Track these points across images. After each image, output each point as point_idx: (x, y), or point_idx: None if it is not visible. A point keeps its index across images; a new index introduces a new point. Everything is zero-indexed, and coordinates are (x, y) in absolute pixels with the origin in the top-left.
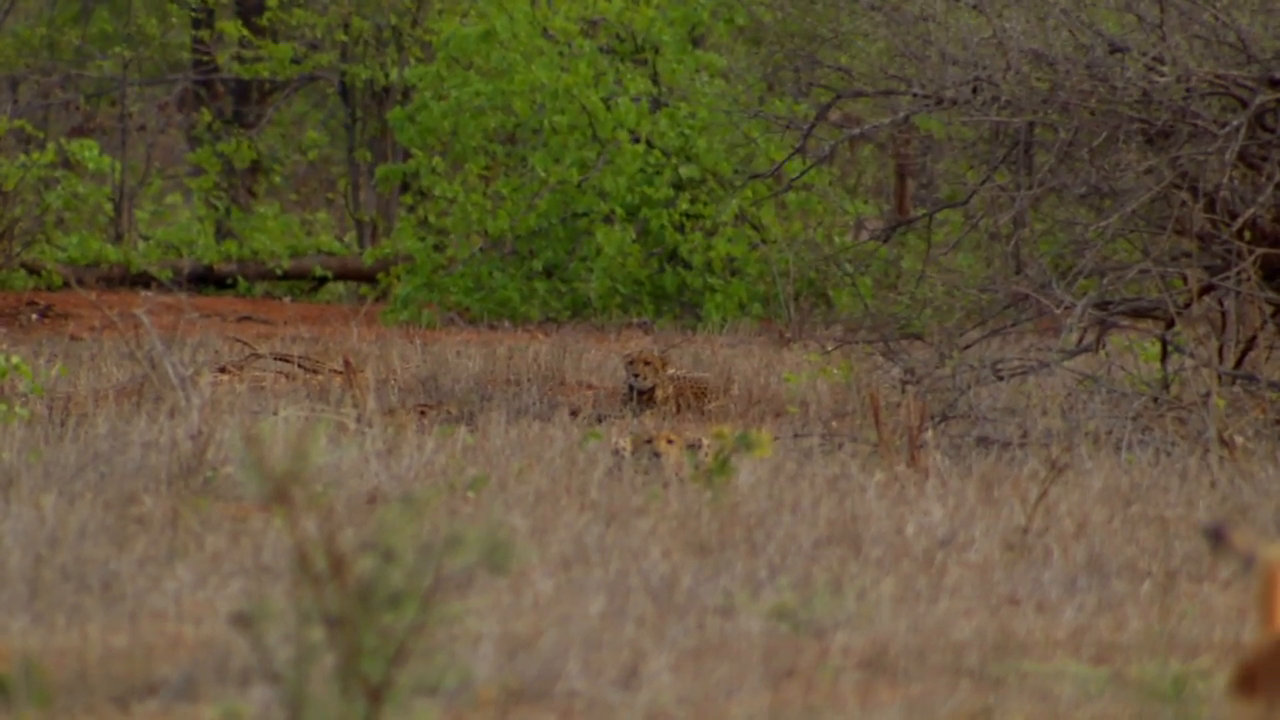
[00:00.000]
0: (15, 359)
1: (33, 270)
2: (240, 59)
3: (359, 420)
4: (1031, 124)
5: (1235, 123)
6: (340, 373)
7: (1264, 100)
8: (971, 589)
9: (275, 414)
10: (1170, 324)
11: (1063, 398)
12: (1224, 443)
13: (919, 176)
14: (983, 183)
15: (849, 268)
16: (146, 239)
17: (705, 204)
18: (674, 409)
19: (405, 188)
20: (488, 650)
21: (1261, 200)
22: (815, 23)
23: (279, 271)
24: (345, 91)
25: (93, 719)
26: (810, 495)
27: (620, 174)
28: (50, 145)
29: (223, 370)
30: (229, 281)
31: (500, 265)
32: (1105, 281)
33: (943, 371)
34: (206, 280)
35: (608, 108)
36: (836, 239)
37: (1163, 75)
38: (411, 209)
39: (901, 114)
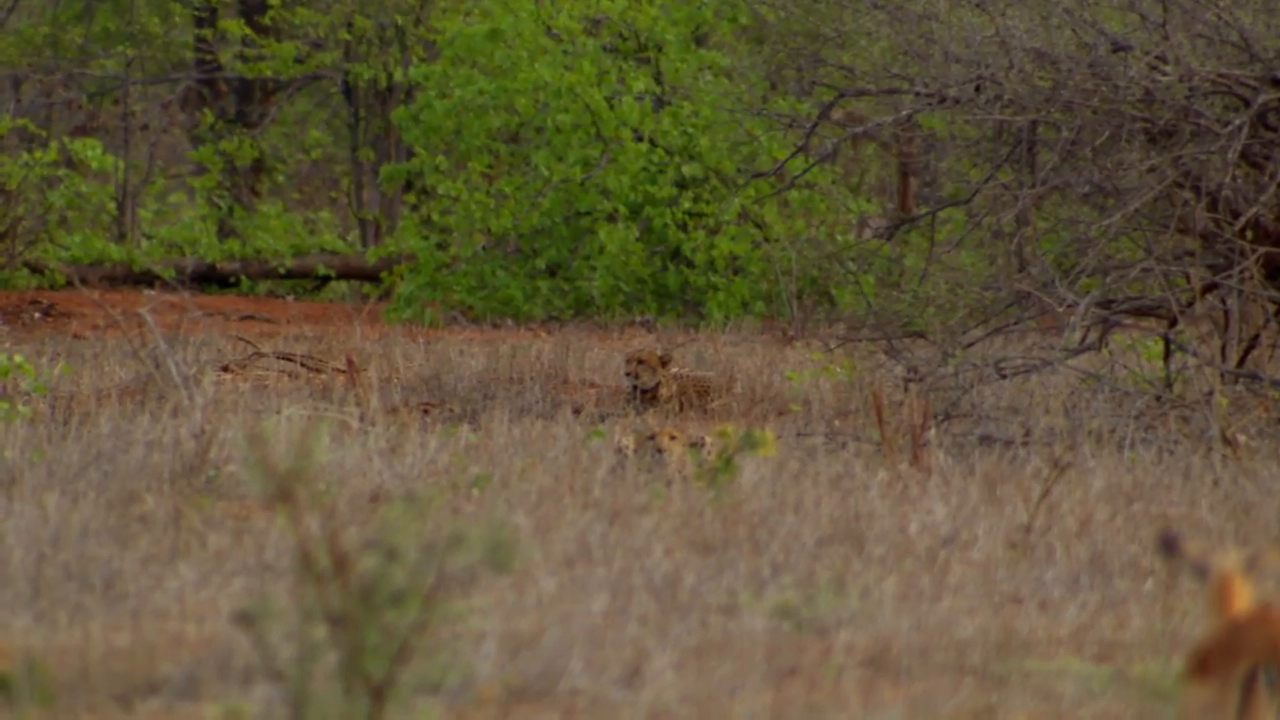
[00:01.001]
0: (18, 358)
1: (36, 269)
2: (243, 58)
3: (362, 419)
4: (1034, 123)
5: (1238, 122)
6: (343, 371)
7: (1267, 99)
8: (974, 587)
9: (278, 413)
10: (1173, 323)
11: (1065, 396)
12: (1227, 441)
13: (922, 175)
14: (986, 181)
15: (852, 266)
16: (149, 238)
17: (708, 202)
18: (677, 407)
19: (408, 186)
20: (490, 649)
21: (1264, 199)
22: (818, 21)
23: (282, 270)
24: (348, 90)
25: (95, 717)
26: (813, 494)
27: (623, 172)
28: (53, 144)
29: (226, 369)
30: (232, 280)
31: (503, 264)
32: (1108, 280)
33: (945, 370)
34: (210, 279)
35: (611, 106)
36: (839, 237)
37: (1165, 74)
38: (415, 208)
39: (904, 112)
